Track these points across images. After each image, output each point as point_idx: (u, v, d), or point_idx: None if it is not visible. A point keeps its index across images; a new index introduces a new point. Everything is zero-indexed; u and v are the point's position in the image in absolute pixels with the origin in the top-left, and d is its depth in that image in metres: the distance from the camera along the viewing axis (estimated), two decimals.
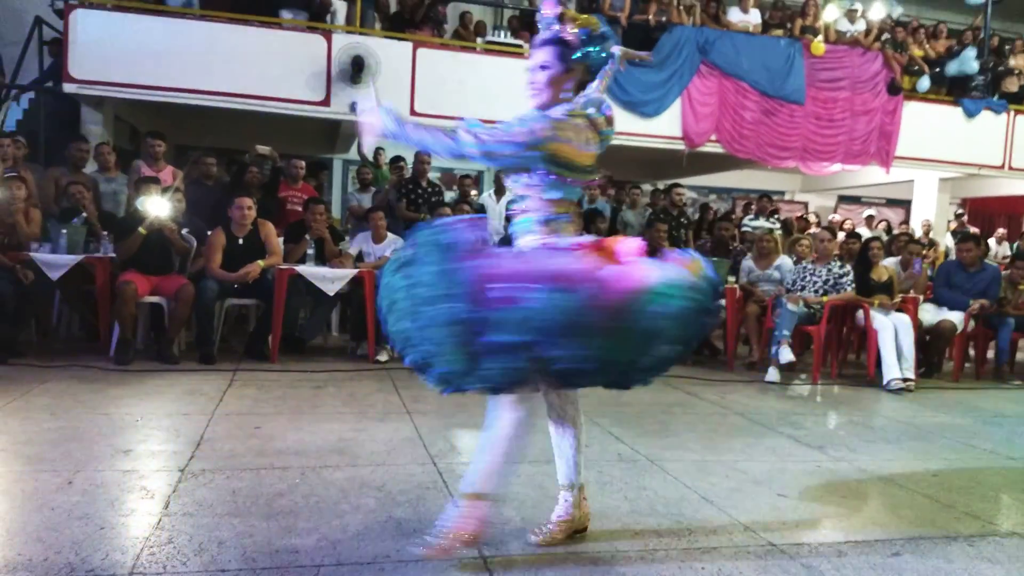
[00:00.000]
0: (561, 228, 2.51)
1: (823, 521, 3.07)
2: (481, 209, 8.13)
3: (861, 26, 10.43)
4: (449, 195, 9.10)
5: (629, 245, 2.39)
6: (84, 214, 5.96)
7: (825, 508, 3.21)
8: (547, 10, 2.58)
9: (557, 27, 2.56)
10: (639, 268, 2.28)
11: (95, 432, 3.70)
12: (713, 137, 9.71)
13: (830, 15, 10.40)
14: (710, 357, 7.24)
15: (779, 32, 10.19)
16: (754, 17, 10.15)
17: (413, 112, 8.75)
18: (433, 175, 8.82)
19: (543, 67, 2.54)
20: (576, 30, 2.55)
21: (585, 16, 2.64)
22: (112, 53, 7.97)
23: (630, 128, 9.40)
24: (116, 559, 2.34)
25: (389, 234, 6.56)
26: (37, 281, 5.47)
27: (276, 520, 2.71)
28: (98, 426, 3.82)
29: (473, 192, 8.79)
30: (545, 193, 2.49)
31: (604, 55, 2.62)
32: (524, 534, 2.70)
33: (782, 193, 14.80)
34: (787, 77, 9.83)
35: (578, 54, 2.55)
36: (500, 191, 8.86)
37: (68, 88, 8.03)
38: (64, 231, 5.67)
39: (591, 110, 2.57)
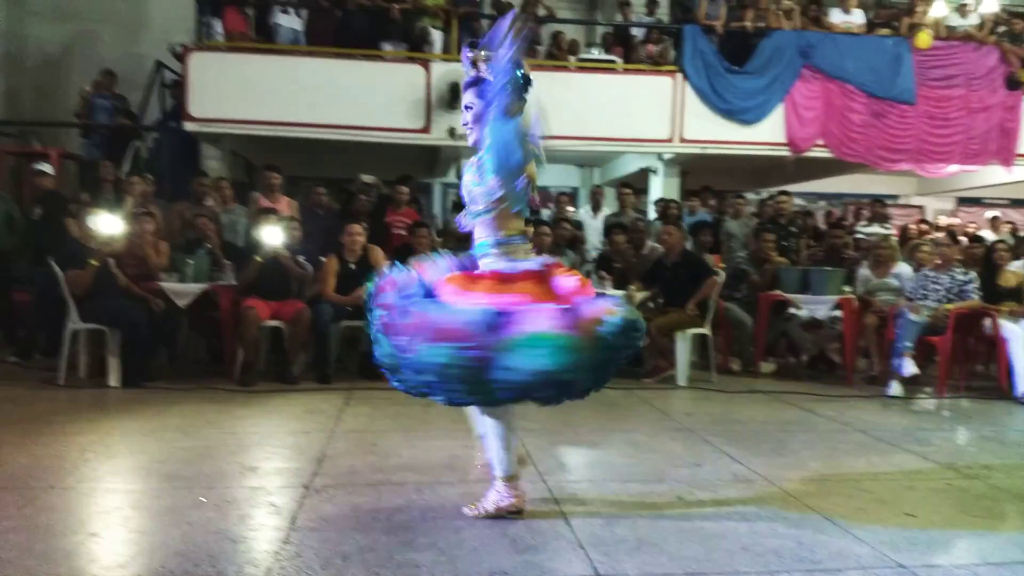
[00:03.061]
0: (518, 252, 2.91)
1: (956, 542, 2.91)
2: (579, 225, 8.15)
3: (974, 20, 9.89)
4: (545, 212, 9.17)
5: (567, 283, 2.81)
6: (208, 245, 6.33)
7: (958, 528, 3.04)
8: (464, 57, 2.89)
9: (473, 71, 2.88)
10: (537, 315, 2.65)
11: (224, 450, 3.92)
12: (820, 142, 9.41)
13: (939, 11, 9.92)
14: (827, 372, 6.97)
15: (885, 32, 9.79)
16: (857, 17, 9.80)
17: None
18: None
19: (467, 107, 2.92)
20: (487, 65, 2.83)
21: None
22: (227, 92, 8.45)
23: (730, 136, 9.23)
24: (249, 572, 2.47)
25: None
26: (167, 309, 5.83)
27: (396, 534, 2.79)
28: (226, 444, 4.03)
29: (569, 208, 8.82)
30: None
31: (521, 80, 2.82)
32: (639, 552, 2.68)
33: (896, 197, 14.13)
34: (895, 77, 9.43)
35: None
36: (597, 207, 8.86)
37: (188, 127, 8.56)
38: (190, 261, 6.04)
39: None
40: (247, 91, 8.46)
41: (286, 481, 3.43)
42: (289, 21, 8.87)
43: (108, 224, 5.68)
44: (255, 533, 2.81)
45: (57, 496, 3.17)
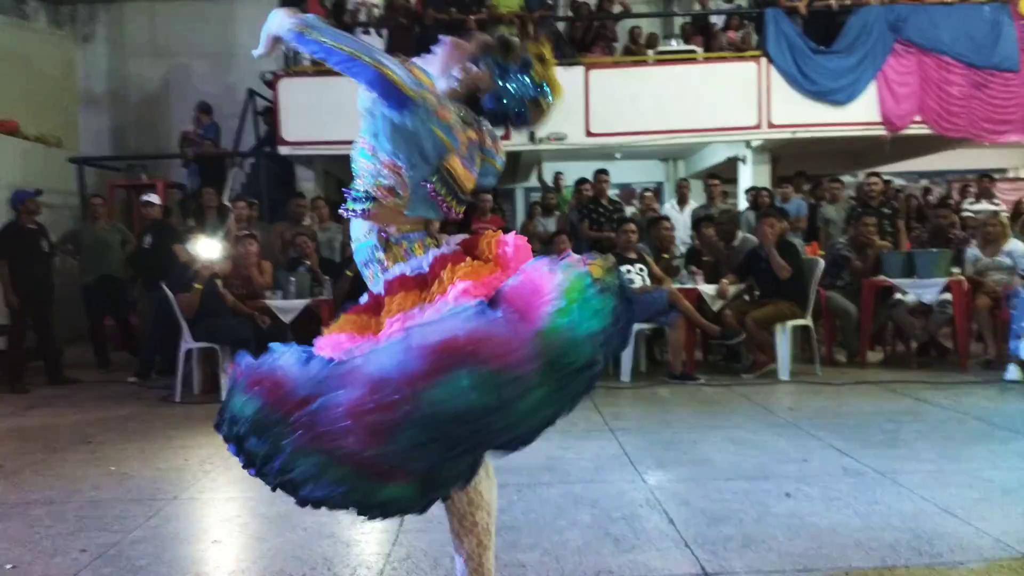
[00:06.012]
0: (413, 250, 2.02)
1: None
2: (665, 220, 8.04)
3: None
4: (629, 210, 9.07)
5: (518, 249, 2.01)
6: (308, 262, 6.57)
7: None
8: None
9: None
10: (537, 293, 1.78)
11: None
12: (917, 118, 9.00)
13: None
14: (939, 358, 6.65)
15: None
16: None
17: (589, 133, 8.87)
18: (612, 192, 8.87)
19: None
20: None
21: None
22: (317, 114, 8.75)
23: (820, 118, 8.95)
24: (363, 574, 2.56)
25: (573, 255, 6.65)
26: (273, 325, 6.09)
27: (501, 535, 2.82)
28: None
29: (654, 205, 8.70)
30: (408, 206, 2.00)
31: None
32: (747, 550, 2.63)
33: (1005, 171, 13.34)
34: (995, 45, 8.94)
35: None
36: (683, 201, 8.73)
37: (283, 150, 8.92)
38: (292, 279, 6.29)
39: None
40: (335, 112, 8.64)
41: None
42: (371, 40, 9.12)
43: (211, 248, 5.98)
44: (366, 536, 2.91)
45: (181, 506, 3.36)
